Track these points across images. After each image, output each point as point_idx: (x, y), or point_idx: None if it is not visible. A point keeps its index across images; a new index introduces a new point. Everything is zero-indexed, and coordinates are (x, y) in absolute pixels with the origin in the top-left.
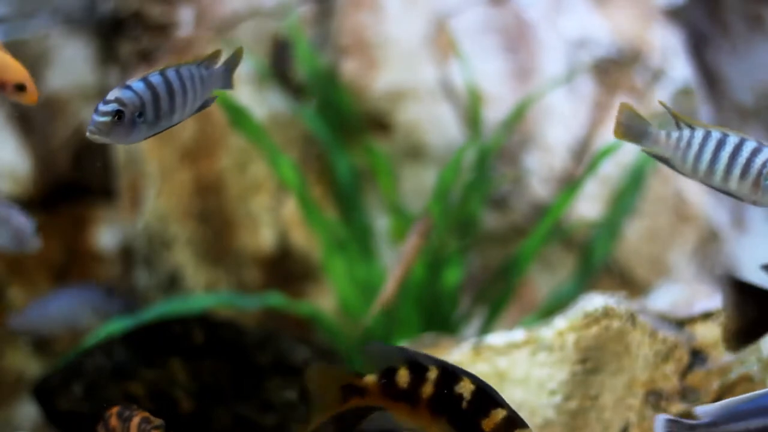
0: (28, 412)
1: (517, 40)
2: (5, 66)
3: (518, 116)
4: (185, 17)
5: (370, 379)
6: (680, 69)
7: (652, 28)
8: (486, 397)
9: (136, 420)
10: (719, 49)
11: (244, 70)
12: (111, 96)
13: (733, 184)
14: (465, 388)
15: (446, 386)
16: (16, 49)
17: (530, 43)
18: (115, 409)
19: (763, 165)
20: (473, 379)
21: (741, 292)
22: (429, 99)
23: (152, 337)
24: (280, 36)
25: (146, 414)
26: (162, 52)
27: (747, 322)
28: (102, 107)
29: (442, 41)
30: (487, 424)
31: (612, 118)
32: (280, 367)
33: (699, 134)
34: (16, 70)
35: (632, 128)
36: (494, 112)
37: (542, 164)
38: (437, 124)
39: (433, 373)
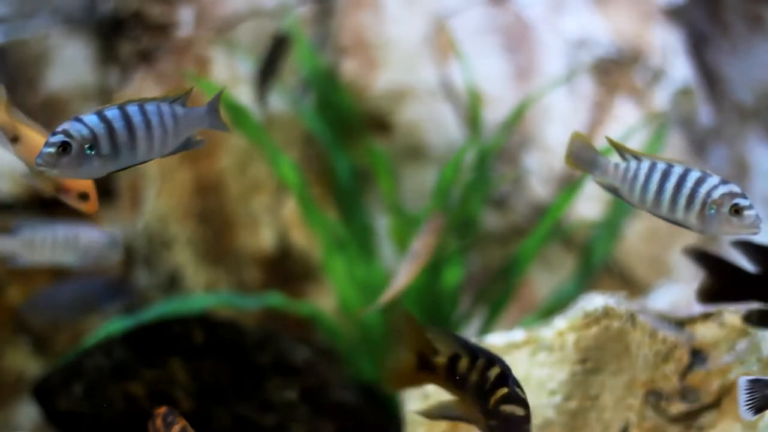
0: (28, 412)
1: (517, 40)
2: None
3: (518, 116)
4: (185, 17)
5: (441, 360)
6: (680, 69)
7: (652, 28)
8: (502, 378)
9: (176, 428)
10: (719, 49)
11: (244, 70)
12: (59, 128)
13: (680, 214)
14: (493, 372)
15: (484, 374)
16: (16, 49)
17: (530, 43)
18: (162, 410)
19: (707, 194)
20: (500, 363)
21: (708, 260)
22: (429, 99)
23: (152, 337)
24: (278, 32)
25: (186, 423)
26: (162, 52)
27: (716, 286)
28: (50, 139)
29: (442, 41)
30: (492, 402)
31: (612, 118)
32: (280, 367)
33: (645, 165)
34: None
35: (582, 158)
36: (494, 112)
37: (542, 164)
38: (437, 124)
39: (480, 362)
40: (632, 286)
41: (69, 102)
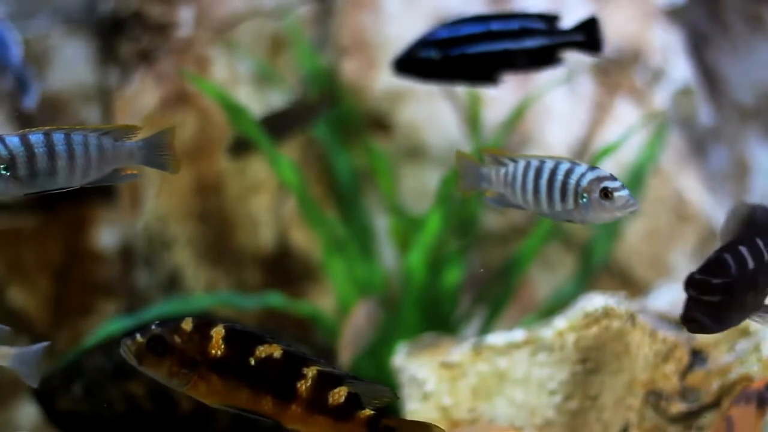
0: (28, 412)
1: None
2: None
3: (518, 116)
4: (185, 17)
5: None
6: (680, 69)
7: (652, 28)
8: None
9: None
10: (719, 49)
11: (243, 70)
12: None
13: (558, 208)
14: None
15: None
16: None
17: None
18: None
19: (577, 184)
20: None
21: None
22: (429, 99)
23: None
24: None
25: None
26: (162, 52)
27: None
28: None
29: None
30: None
31: (612, 118)
32: None
33: (520, 166)
34: None
35: (470, 177)
36: (494, 112)
37: None
38: (437, 124)
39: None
40: (632, 286)
41: (69, 102)
